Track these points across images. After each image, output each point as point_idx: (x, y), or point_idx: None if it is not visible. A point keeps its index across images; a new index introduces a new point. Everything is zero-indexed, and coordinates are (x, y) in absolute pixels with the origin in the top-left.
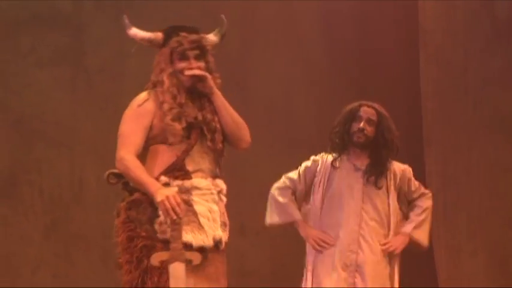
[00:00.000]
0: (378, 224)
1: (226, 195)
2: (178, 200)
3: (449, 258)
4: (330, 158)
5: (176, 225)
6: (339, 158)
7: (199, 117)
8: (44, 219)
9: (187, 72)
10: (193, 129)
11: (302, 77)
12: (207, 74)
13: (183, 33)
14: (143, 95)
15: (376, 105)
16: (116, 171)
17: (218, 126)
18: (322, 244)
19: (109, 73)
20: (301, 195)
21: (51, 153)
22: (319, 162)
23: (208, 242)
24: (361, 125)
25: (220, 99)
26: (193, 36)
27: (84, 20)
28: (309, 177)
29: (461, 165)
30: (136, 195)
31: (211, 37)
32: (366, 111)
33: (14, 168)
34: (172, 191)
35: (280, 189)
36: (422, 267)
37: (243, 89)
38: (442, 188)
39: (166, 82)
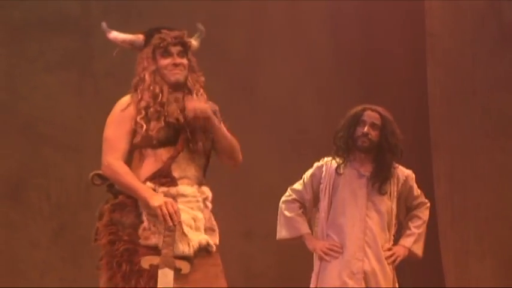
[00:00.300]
0: (381, 228)
1: (212, 202)
2: (176, 207)
3: (457, 262)
4: (333, 163)
5: (170, 232)
6: (343, 164)
7: (181, 119)
8: (51, 223)
9: (190, 108)
10: (179, 134)
11: (309, 81)
12: (211, 115)
13: (165, 31)
14: (126, 98)
15: (380, 109)
16: (100, 172)
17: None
18: (330, 253)
19: (116, 77)
20: (310, 204)
21: (58, 157)
22: (324, 169)
23: (189, 251)
24: (365, 129)
25: (218, 129)
26: (176, 32)
27: (92, 24)
28: (315, 185)
29: (469, 169)
30: (121, 198)
31: (192, 41)
32: (370, 116)
33: (22, 172)
34: (168, 198)
35: (286, 203)
36: (430, 271)
37: (250, 93)
38: (450, 192)
39: (148, 80)
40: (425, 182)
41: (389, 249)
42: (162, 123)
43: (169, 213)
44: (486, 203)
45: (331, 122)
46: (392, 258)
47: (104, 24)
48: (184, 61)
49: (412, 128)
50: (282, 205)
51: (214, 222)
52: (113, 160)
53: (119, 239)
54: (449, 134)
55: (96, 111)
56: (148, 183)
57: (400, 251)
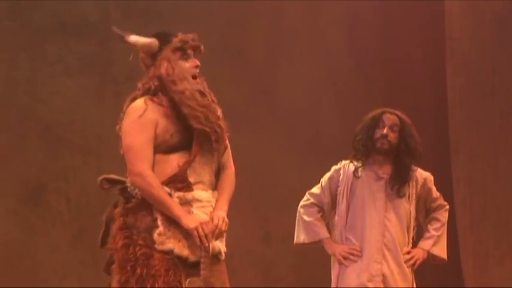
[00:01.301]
0: (400, 231)
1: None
2: (212, 228)
3: (476, 265)
4: (351, 166)
5: (207, 253)
6: (361, 167)
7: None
8: (71, 227)
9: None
10: (192, 138)
11: (327, 85)
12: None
13: (181, 34)
14: (140, 104)
15: (398, 113)
16: (110, 176)
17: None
18: (350, 257)
19: (136, 82)
20: (329, 207)
21: (78, 161)
22: (341, 172)
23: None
24: (385, 131)
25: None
26: (192, 35)
27: (111, 28)
28: (333, 188)
29: (489, 173)
30: (134, 202)
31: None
32: (389, 118)
33: (42, 176)
34: (203, 218)
35: (305, 207)
36: (450, 275)
37: (268, 97)
38: (469, 195)
39: (188, 87)
40: (444, 185)
41: (409, 252)
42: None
43: (205, 234)
44: (506, 207)
45: (349, 125)
46: (412, 261)
47: (117, 31)
48: (199, 63)
49: (432, 131)
50: (300, 209)
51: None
52: (145, 170)
53: (133, 243)
54: (468, 138)
55: (116, 115)
56: (165, 188)
57: (419, 254)
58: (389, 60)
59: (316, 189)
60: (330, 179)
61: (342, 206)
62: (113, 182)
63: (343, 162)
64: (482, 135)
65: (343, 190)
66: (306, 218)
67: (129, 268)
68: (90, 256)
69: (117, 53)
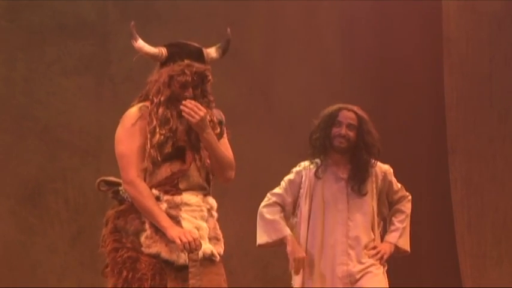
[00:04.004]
0: (365, 229)
1: (218, 211)
2: (195, 235)
3: (474, 266)
4: (312, 167)
5: (194, 262)
6: (321, 168)
7: (188, 141)
8: (69, 228)
9: (184, 112)
10: (186, 151)
11: (324, 86)
12: (201, 124)
13: (187, 61)
14: (134, 111)
15: (355, 108)
16: (107, 178)
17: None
18: (296, 267)
19: (134, 82)
20: (290, 208)
21: (76, 162)
22: (303, 174)
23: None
24: (343, 131)
25: (206, 140)
26: (198, 67)
27: (109, 28)
28: (295, 190)
29: (486, 173)
30: (125, 205)
31: (212, 53)
32: (346, 116)
33: (40, 177)
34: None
35: (267, 206)
36: (448, 275)
37: (266, 97)
38: (467, 196)
39: (161, 110)
40: (442, 186)
41: (375, 248)
42: (170, 149)
43: (188, 242)
44: (503, 207)
45: None
46: (379, 256)
47: (133, 30)
48: (197, 92)
49: (429, 132)
50: (262, 209)
51: (219, 232)
52: (136, 179)
53: (122, 246)
54: (466, 138)
55: (114, 116)
56: (154, 190)
57: (386, 248)
58: (386, 61)
59: (278, 190)
60: (291, 182)
61: (304, 209)
62: (110, 184)
63: (303, 164)
64: (480, 136)
65: (306, 192)
66: (268, 216)
67: (115, 272)
68: (88, 257)
69: (115, 53)
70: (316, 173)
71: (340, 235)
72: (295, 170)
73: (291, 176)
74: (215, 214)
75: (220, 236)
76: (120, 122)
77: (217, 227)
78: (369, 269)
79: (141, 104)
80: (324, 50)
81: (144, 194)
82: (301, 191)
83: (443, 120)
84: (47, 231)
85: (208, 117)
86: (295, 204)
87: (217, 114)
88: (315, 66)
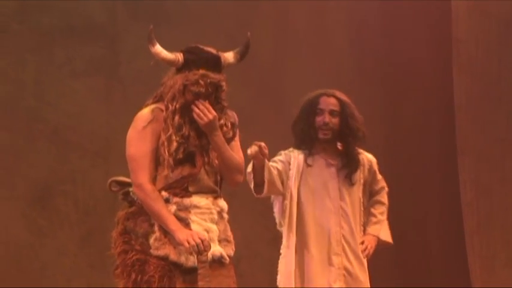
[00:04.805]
0: (354, 220)
1: (228, 213)
2: (203, 237)
3: (484, 267)
4: (299, 153)
5: (203, 263)
6: (310, 157)
7: (199, 146)
8: (79, 230)
9: (194, 112)
10: (196, 155)
11: (333, 86)
12: (211, 126)
13: (202, 71)
14: (146, 113)
15: (336, 93)
16: (119, 178)
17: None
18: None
19: (144, 84)
20: (286, 173)
21: (86, 164)
22: (291, 156)
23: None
24: (326, 119)
25: (215, 142)
26: (212, 78)
27: (118, 30)
28: (286, 167)
29: (495, 175)
30: (135, 207)
31: (230, 59)
32: (327, 102)
33: (49, 179)
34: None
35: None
36: (457, 276)
37: (275, 98)
38: (476, 198)
39: (177, 118)
40: (451, 187)
41: (362, 242)
42: (181, 156)
43: (196, 244)
44: None
45: None
46: (367, 252)
47: (151, 34)
48: (211, 99)
49: (438, 133)
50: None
51: (229, 233)
52: (145, 182)
53: (131, 248)
54: (475, 139)
55: (124, 117)
56: (163, 193)
57: (371, 242)
58: (395, 62)
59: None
60: (281, 160)
61: (293, 192)
62: (121, 184)
63: (291, 149)
64: (489, 137)
65: (294, 175)
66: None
67: (125, 274)
68: (97, 258)
69: (125, 55)
70: (306, 161)
71: (334, 224)
72: (282, 152)
73: (279, 156)
74: (226, 216)
75: (231, 238)
76: (132, 123)
77: (228, 228)
78: (359, 264)
79: (154, 106)
80: (333, 51)
81: (153, 196)
82: (290, 172)
83: (452, 121)
84: (57, 233)
85: (222, 121)
86: (285, 177)
87: (232, 116)
88: (324, 67)
